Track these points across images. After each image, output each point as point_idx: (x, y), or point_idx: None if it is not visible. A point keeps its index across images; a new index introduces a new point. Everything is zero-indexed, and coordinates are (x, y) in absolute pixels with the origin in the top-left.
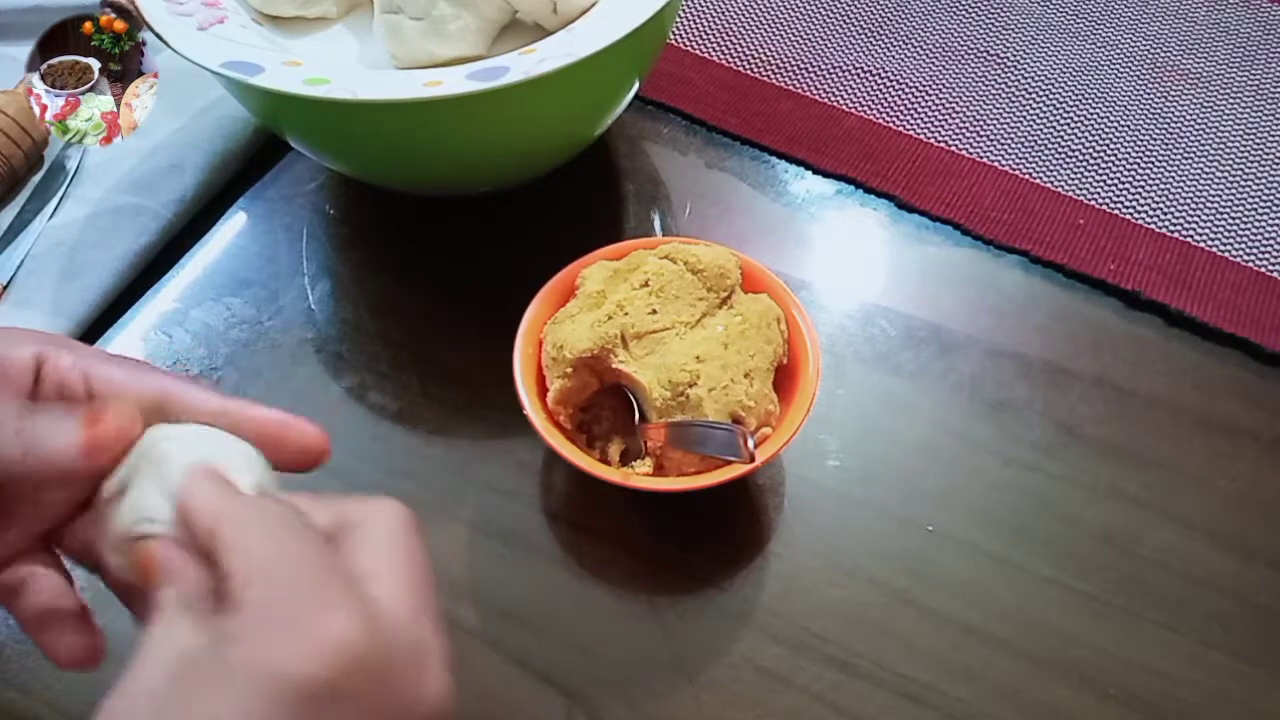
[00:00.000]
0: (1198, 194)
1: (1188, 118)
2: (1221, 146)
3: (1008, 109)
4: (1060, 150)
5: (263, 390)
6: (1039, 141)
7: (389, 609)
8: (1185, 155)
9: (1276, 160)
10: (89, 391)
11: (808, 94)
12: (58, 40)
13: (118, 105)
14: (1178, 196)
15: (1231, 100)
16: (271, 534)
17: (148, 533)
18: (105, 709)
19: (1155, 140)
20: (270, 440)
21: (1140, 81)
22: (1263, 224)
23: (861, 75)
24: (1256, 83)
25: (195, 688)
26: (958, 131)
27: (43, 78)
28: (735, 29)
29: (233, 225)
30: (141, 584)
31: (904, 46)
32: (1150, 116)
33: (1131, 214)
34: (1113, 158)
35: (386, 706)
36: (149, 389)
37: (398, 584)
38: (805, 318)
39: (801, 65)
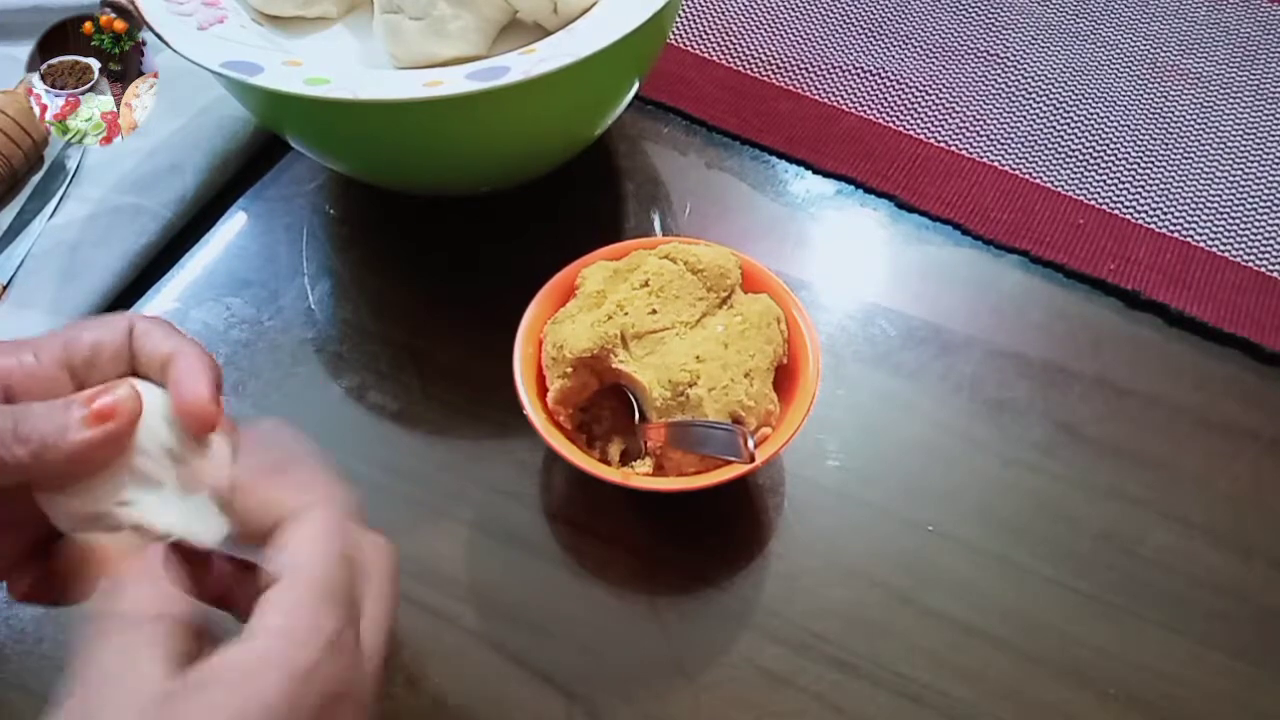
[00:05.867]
0: (1198, 194)
1: (1188, 118)
2: (1221, 146)
3: (1008, 109)
4: (1060, 150)
5: (262, 389)
6: (1039, 141)
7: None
8: (1185, 155)
9: (1276, 160)
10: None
11: (808, 94)
12: (58, 40)
13: (118, 105)
14: (1178, 196)
15: (1231, 100)
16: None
17: (128, 518)
18: None
19: (1155, 140)
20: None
21: (1140, 81)
22: (1263, 224)
23: (861, 75)
24: (1256, 83)
25: None
26: (958, 131)
27: (43, 78)
28: (735, 29)
29: (233, 225)
30: (94, 568)
31: (904, 46)
32: (1150, 116)
33: (1131, 214)
34: (1113, 158)
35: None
36: (122, 331)
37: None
38: (805, 318)
39: (801, 65)
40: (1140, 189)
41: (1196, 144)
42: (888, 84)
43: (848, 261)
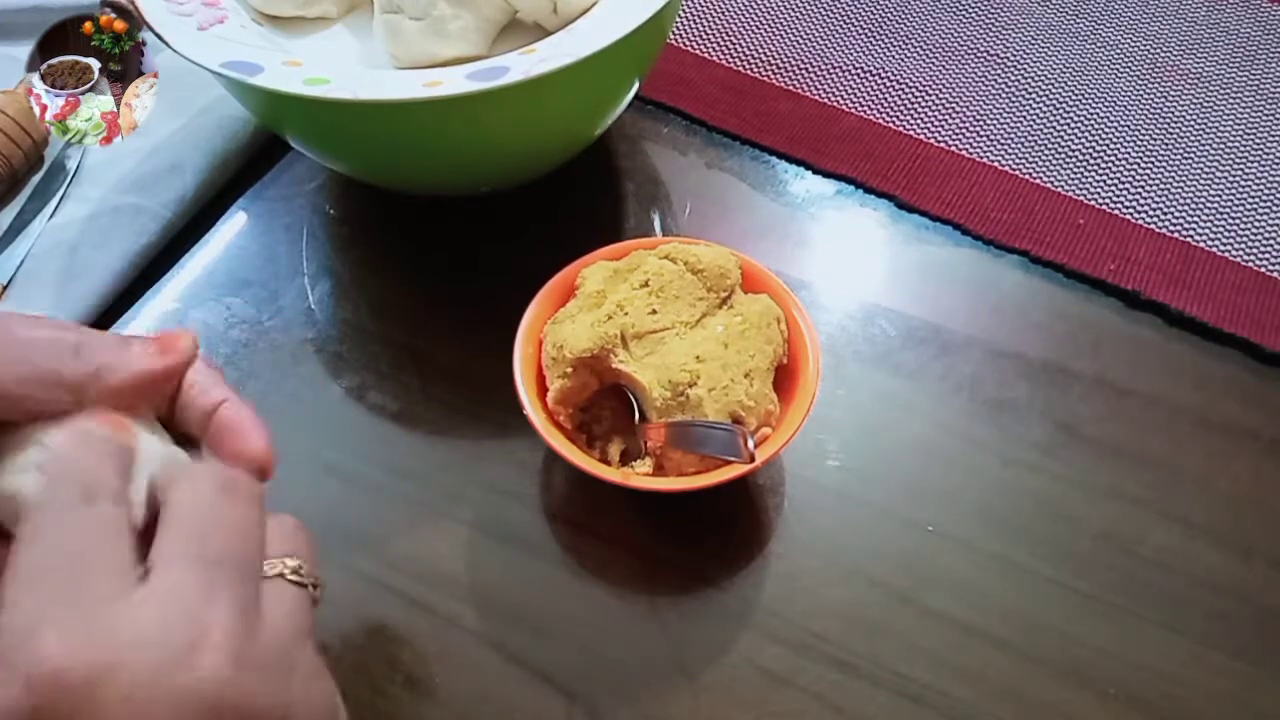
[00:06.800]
0: (1198, 194)
1: (1188, 118)
2: (1221, 146)
3: (1008, 109)
4: (1060, 150)
5: (263, 390)
6: (1039, 141)
7: (155, 607)
8: (1185, 155)
9: (1276, 160)
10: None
11: (808, 94)
12: (58, 40)
13: (118, 105)
14: (1178, 196)
15: (1231, 100)
16: (53, 519)
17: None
18: None
19: (1155, 140)
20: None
21: (1140, 81)
22: (1263, 224)
23: (861, 75)
24: (1256, 83)
25: None
26: (958, 131)
27: (43, 78)
28: (735, 29)
29: (233, 225)
30: None
31: (904, 46)
32: (1150, 116)
33: (1131, 214)
34: (1113, 158)
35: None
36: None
37: (182, 571)
38: (805, 318)
39: (801, 65)
40: (1140, 189)
41: (1196, 144)
42: (888, 84)
43: (848, 261)
